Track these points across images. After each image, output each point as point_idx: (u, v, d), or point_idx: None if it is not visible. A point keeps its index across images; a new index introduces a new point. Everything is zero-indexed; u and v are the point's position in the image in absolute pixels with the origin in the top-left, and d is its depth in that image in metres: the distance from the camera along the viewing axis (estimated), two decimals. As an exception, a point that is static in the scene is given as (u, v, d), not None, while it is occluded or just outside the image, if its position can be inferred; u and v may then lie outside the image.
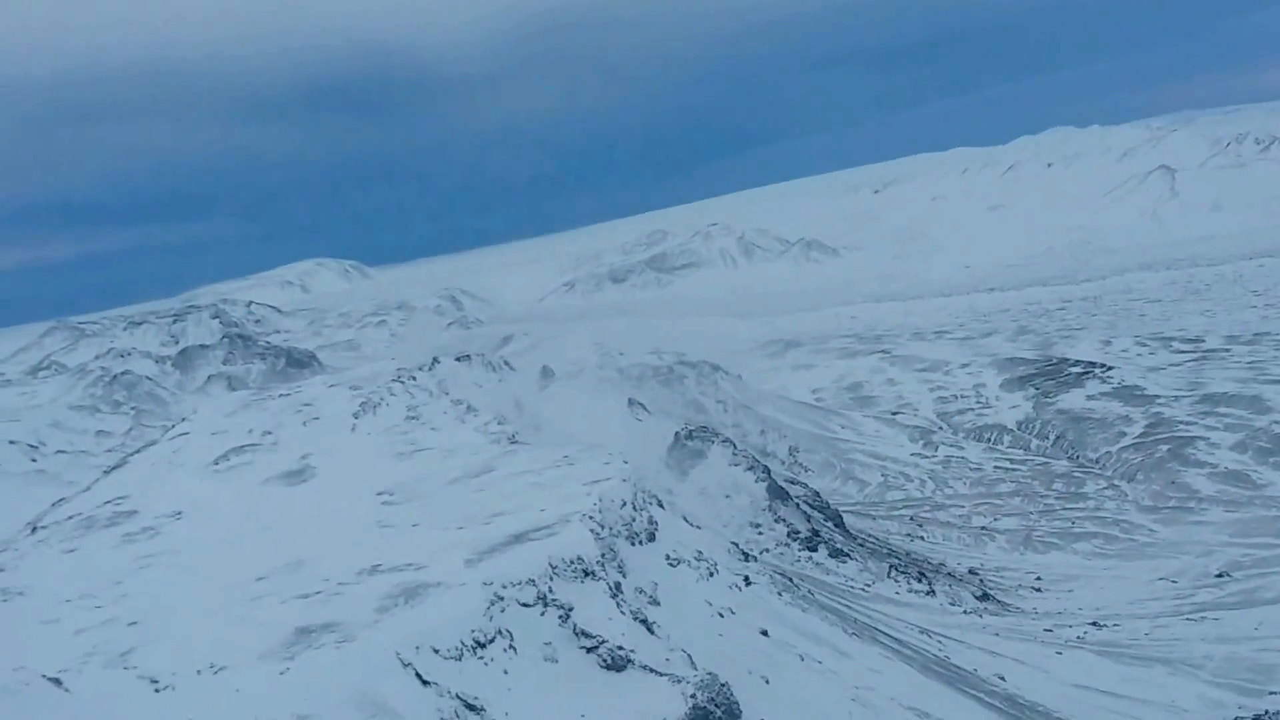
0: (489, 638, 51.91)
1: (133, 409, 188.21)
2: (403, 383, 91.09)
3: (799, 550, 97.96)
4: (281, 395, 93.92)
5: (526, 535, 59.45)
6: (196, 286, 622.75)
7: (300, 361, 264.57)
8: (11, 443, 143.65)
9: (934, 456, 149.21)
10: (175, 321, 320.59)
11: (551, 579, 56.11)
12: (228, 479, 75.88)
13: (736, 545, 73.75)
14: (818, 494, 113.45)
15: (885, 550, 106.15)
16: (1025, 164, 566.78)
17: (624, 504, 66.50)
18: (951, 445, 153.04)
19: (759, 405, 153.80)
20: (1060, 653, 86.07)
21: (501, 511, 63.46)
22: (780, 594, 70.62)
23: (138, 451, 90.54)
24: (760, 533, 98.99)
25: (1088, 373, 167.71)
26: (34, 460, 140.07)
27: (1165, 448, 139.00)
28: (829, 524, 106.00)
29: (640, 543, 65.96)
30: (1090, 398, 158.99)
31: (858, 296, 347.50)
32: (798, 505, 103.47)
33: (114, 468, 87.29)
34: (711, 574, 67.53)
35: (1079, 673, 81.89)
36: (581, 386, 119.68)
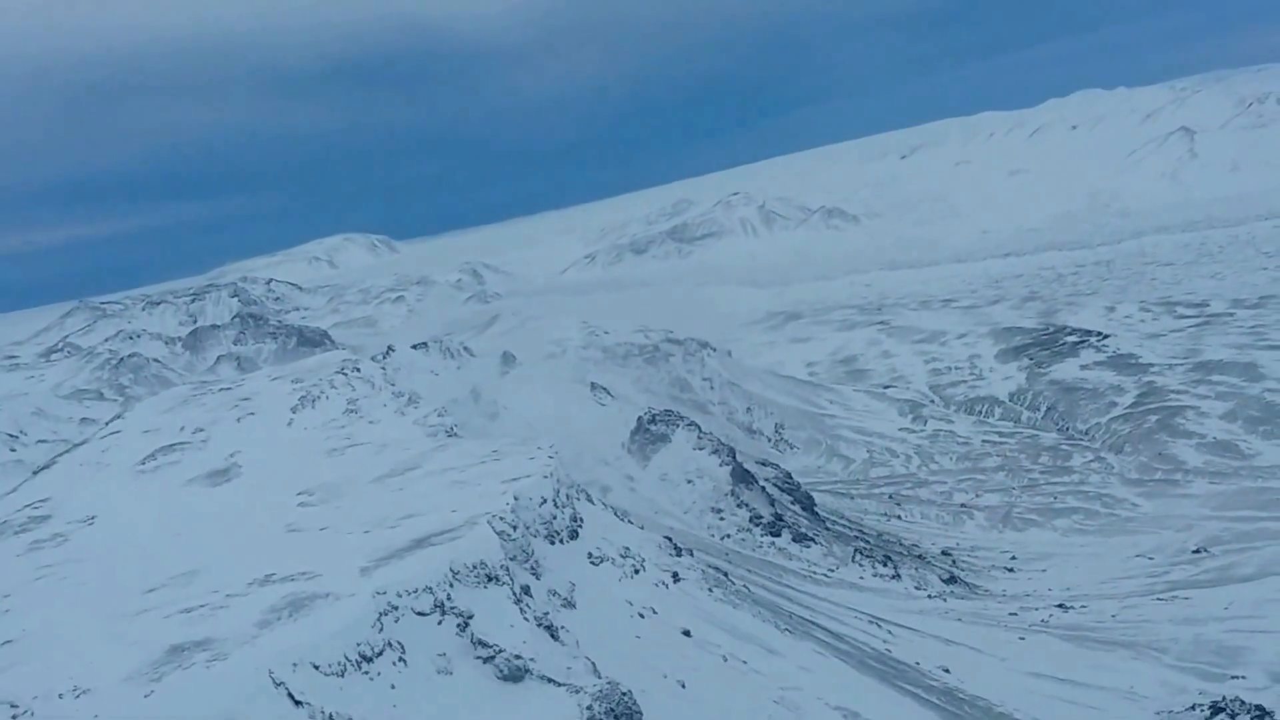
0: (377, 651, 49.37)
1: (121, 396, 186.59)
2: (345, 375, 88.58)
3: (761, 535, 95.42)
4: (222, 390, 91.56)
5: (429, 539, 56.96)
6: (225, 263, 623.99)
7: (313, 340, 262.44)
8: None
9: (922, 431, 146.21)
10: (194, 300, 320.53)
11: (451, 585, 53.55)
12: (151, 480, 73.68)
13: (670, 539, 71.04)
14: (789, 475, 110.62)
15: (853, 533, 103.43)
16: (1050, 127, 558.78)
17: (544, 501, 63.98)
18: (941, 419, 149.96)
19: (746, 382, 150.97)
20: (1023, 638, 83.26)
21: (413, 513, 60.99)
22: (711, 590, 68.03)
23: (67, 451, 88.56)
24: (722, 518, 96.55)
25: (1083, 341, 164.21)
26: (13, 450, 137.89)
27: (1155, 418, 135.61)
28: (796, 507, 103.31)
29: (561, 541, 63.55)
30: (1084, 367, 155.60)
31: (874, 264, 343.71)
32: (763, 489, 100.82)
33: (42, 468, 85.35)
34: (637, 571, 65.04)
35: (1038, 659, 79.14)
36: (544, 372, 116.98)
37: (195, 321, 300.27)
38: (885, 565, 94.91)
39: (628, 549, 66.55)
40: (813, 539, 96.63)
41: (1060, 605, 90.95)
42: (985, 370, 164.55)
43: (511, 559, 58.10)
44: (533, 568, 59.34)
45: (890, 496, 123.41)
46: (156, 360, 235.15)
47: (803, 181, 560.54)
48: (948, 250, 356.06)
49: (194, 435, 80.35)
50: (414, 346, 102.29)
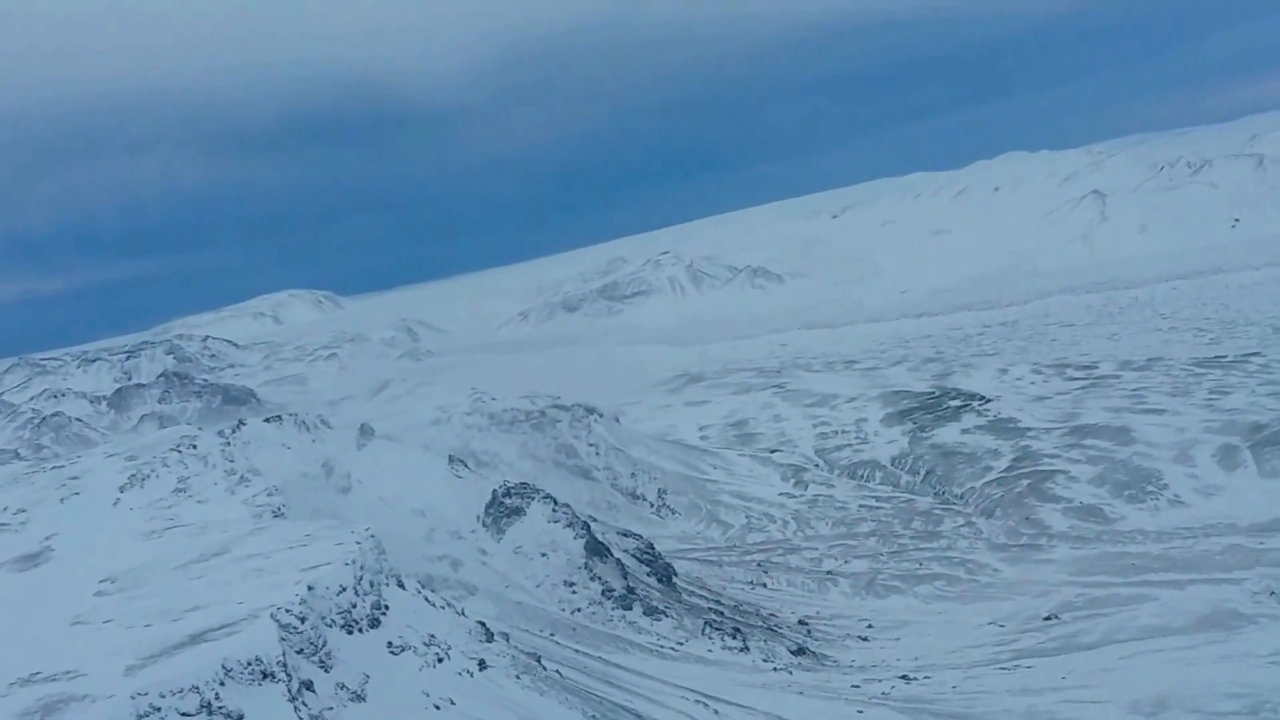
0: (131, 755, 46.82)
1: (37, 456, 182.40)
2: (180, 451, 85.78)
3: (612, 609, 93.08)
4: (54, 468, 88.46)
5: (206, 634, 54.34)
6: (171, 319, 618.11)
7: (238, 399, 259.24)
8: None
9: (802, 496, 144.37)
10: (129, 358, 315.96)
11: (222, 684, 50.92)
12: (-41, 566, 70.75)
13: (482, 624, 68.56)
14: (650, 545, 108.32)
15: (709, 604, 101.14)
16: (975, 189, 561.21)
17: (343, 589, 61.41)
18: (822, 483, 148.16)
19: (631, 448, 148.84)
20: (861, 711, 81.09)
21: (199, 605, 58.34)
22: (519, 676, 65.51)
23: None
24: (574, 591, 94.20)
25: (966, 405, 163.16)
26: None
27: (1026, 482, 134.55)
28: (652, 579, 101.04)
29: (359, 631, 60.95)
30: (965, 431, 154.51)
31: (793, 324, 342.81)
32: (619, 561, 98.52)
33: None
34: (440, 660, 62.49)
35: (871, 735, 77.26)
36: (401, 444, 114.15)
37: (130, 379, 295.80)
38: (734, 638, 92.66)
39: (433, 636, 64.03)
40: (664, 612, 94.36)
41: (904, 676, 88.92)
42: (870, 434, 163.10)
43: (298, 652, 55.59)
44: (322, 660, 56.75)
45: (758, 564, 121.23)
46: (79, 420, 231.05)
47: (733, 241, 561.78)
48: (865, 310, 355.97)
49: (14, 516, 77.25)
50: (266, 420, 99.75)
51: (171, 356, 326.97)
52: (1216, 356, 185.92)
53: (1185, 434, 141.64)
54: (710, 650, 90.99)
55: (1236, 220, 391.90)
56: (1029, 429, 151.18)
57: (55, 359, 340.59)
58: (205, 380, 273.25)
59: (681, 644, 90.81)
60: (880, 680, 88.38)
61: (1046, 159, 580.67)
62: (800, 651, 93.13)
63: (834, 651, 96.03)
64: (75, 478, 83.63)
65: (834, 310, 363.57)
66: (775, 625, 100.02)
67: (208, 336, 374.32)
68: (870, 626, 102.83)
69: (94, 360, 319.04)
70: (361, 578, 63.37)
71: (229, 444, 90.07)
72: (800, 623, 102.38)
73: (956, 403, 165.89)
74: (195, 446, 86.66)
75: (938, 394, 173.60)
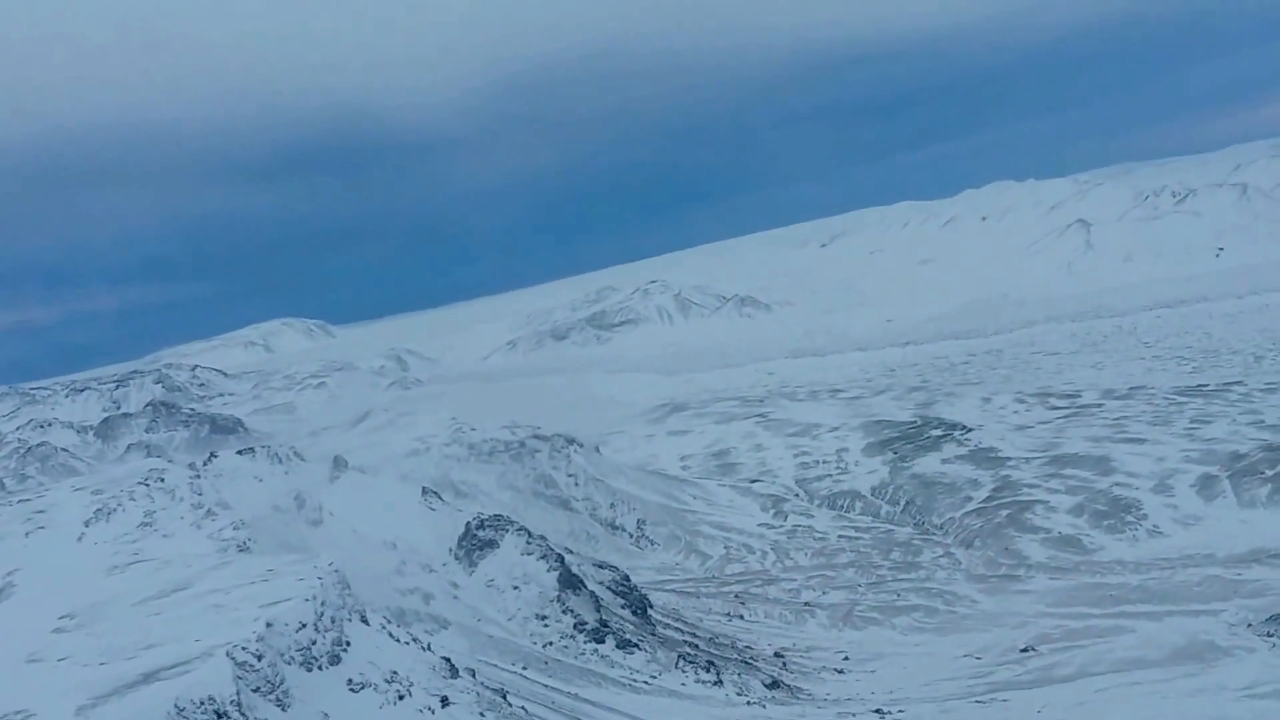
0: (78, 796, 45.87)
1: (23, 486, 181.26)
2: (147, 485, 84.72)
3: (585, 642, 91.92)
4: (21, 501, 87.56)
5: (159, 673, 53.30)
6: (163, 348, 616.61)
7: (226, 428, 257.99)
8: None
9: (781, 526, 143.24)
10: (118, 387, 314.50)
11: (173, 724, 49.96)
12: (-81, 602, 69.68)
13: (447, 660, 67.48)
14: (626, 577, 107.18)
15: (683, 637, 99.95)
16: (962, 218, 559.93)
17: (303, 626, 60.40)
18: (801, 514, 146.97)
19: (611, 478, 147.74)
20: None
21: (156, 642, 57.33)
22: (483, 714, 64.42)
23: None
24: (546, 625, 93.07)
25: (947, 435, 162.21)
26: None
27: (1005, 512, 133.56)
28: (626, 611, 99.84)
29: (320, 668, 59.96)
30: (945, 461, 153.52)
31: (780, 352, 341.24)
32: (593, 594, 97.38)
33: None
34: (402, 697, 61.44)
35: (844, 770, 76.18)
36: (375, 476, 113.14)
37: (118, 408, 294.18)
38: (708, 671, 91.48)
39: (395, 673, 62.96)
40: (637, 645, 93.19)
41: (878, 710, 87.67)
42: (851, 464, 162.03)
43: (254, 690, 54.61)
44: (279, 699, 55.78)
45: (735, 596, 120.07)
46: (65, 450, 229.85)
47: (721, 270, 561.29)
48: (852, 338, 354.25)
49: (-23, 552, 76.37)
50: (239, 452, 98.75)
51: (160, 386, 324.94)
52: (1199, 385, 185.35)
53: (1165, 463, 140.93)
54: (683, 684, 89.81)
55: (1220, 249, 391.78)
56: (1009, 459, 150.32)
57: (44, 388, 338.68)
58: (193, 409, 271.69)
59: (655, 678, 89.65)
60: (854, 714, 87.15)
61: (1033, 188, 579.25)
62: (775, 684, 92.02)
63: (809, 684, 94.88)
64: (42, 511, 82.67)
65: (821, 339, 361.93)
66: (750, 658, 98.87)
67: (196, 366, 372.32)
68: (847, 659, 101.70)
69: (83, 390, 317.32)
70: (323, 614, 62.33)
71: (199, 476, 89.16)
72: (776, 655, 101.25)
73: (938, 432, 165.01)
74: (163, 480, 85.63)
75: (919, 423, 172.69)
